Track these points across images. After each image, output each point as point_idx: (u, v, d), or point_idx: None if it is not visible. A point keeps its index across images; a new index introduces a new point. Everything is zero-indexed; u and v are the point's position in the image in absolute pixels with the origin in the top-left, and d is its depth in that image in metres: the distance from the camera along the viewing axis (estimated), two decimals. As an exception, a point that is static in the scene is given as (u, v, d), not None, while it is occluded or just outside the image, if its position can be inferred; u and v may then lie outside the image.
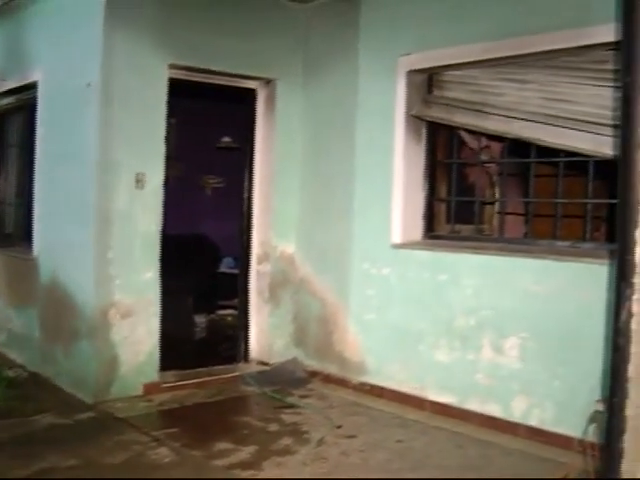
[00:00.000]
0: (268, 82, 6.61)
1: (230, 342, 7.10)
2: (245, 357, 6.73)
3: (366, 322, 6.08)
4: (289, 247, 6.71)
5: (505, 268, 5.17)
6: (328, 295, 6.40)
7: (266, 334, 6.67)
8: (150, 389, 5.77)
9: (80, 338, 5.73)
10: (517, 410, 5.03)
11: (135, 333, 5.74)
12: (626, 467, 2.41)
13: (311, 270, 6.58)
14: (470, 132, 5.78)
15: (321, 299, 6.47)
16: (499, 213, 6.00)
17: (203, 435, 4.92)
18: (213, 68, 6.13)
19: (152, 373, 5.84)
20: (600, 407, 4.03)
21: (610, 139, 4.58)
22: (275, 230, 6.64)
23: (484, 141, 5.86)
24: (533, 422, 4.93)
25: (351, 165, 6.19)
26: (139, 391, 5.73)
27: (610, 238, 5.24)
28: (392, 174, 5.87)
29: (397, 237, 5.89)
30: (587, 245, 4.98)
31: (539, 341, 4.93)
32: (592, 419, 4.23)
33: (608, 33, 4.38)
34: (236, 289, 6.94)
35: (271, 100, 6.63)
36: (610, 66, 4.64)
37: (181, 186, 8.60)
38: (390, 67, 5.88)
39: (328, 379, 6.32)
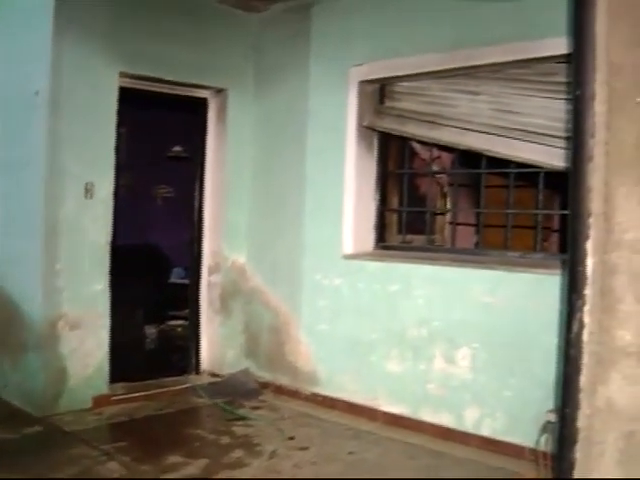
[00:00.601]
0: (219, 91, 6.57)
1: (181, 353, 7.01)
2: (196, 368, 6.65)
3: (318, 333, 6.06)
4: (240, 257, 6.67)
5: (456, 279, 5.20)
6: (280, 306, 6.37)
7: (217, 345, 6.61)
8: (99, 402, 5.67)
9: (28, 350, 5.60)
10: (469, 420, 5.05)
11: (84, 345, 5.63)
12: (578, 477, 2.42)
13: (262, 281, 6.54)
14: (422, 143, 5.82)
15: (273, 310, 6.43)
16: (450, 223, 6.05)
17: (153, 449, 4.84)
18: (164, 77, 6.07)
19: (101, 386, 5.74)
20: (552, 418, 4.07)
21: (560, 151, 4.65)
22: (226, 240, 6.59)
23: (435, 152, 5.90)
24: (485, 432, 4.96)
25: (302, 175, 6.18)
26: (88, 404, 5.61)
27: (562, 248, 5.31)
28: (343, 184, 5.87)
29: (348, 248, 5.88)
30: (538, 256, 5.04)
31: (490, 351, 4.96)
32: (544, 429, 4.26)
33: (557, 46, 4.44)
34: (187, 300, 6.87)
35: (222, 110, 6.59)
36: (559, 78, 4.70)
37: (131, 196, 8.49)
38: (342, 77, 5.89)
39: (280, 390, 6.28)
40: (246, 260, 6.68)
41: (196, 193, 6.69)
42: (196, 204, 6.68)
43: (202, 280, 6.71)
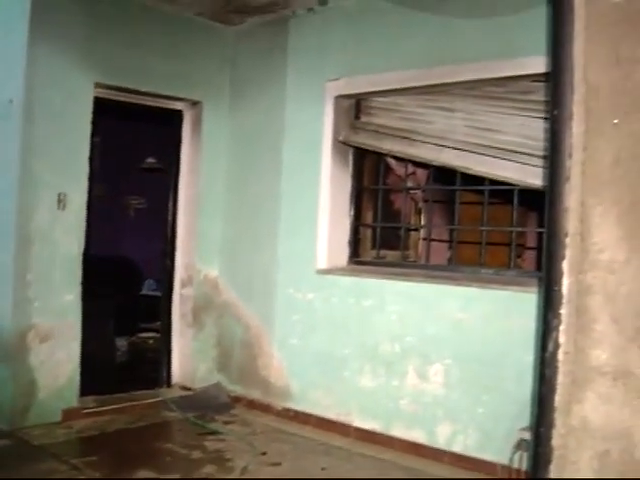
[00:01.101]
0: (194, 104, 6.55)
1: (152, 366, 6.94)
2: (167, 382, 6.60)
3: (291, 347, 6.04)
4: (213, 271, 6.63)
5: (430, 295, 5.21)
6: (252, 319, 6.34)
7: (189, 358, 6.56)
8: (69, 415, 5.59)
9: (-5, 362, 5.52)
10: (441, 436, 5.05)
11: (54, 357, 5.55)
12: (554, 477, 2.42)
13: (235, 294, 6.51)
14: (397, 158, 5.83)
15: (245, 323, 6.40)
16: (424, 239, 6.06)
17: (124, 463, 4.78)
18: (140, 88, 6.05)
19: (72, 398, 5.66)
20: (526, 436, 4.08)
21: (535, 169, 4.68)
22: (199, 253, 6.55)
23: (410, 168, 5.92)
24: (457, 448, 4.96)
25: (277, 190, 6.17)
26: (58, 417, 5.53)
27: (538, 266, 5.33)
28: (318, 199, 5.87)
29: (322, 262, 5.88)
30: (511, 273, 5.07)
31: (463, 368, 4.97)
32: (518, 447, 4.27)
33: (534, 65, 4.48)
34: (159, 312, 6.82)
35: (197, 122, 6.57)
36: (536, 97, 4.75)
37: (104, 206, 8.43)
38: (318, 92, 5.90)
39: (252, 405, 6.24)
40: (219, 273, 6.65)
41: (170, 205, 6.65)
42: (169, 216, 6.64)
43: (174, 293, 6.66)
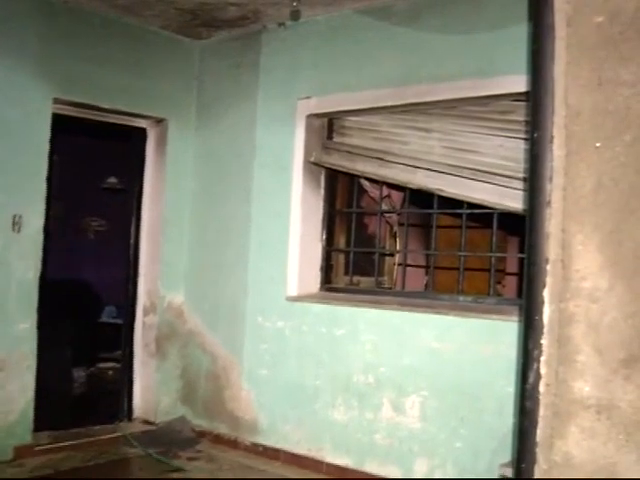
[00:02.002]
0: (159, 122, 6.55)
1: (112, 399, 6.87)
2: (128, 415, 6.53)
3: (259, 378, 6.01)
4: (178, 297, 6.61)
5: (405, 323, 5.22)
6: (219, 349, 6.31)
7: (152, 390, 6.50)
8: (22, 452, 5.51)
9: (-57, 396, 5.44)
10: (418, 472, 5.04)
11: (6, 389, 5.48)
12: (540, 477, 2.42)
13: (201, 322, 6.48)
14: (371, 180, 5.86)
15: (211, 353, 6.37)
16: (400, 265, 6.08)
17: (80, 504, 4.73)
18: (101, 104, 6.04)
19: (24, 434, 5.58)
20: (507, 472, 4.07)
21: (515, 191, 4.73)
22: (163, 279, 6.52)
23: (385, 190, 5.95)
24: (434, 485, 4.96)
25: (246, 213, 6.17)
26: (9, 455, 5.45)
27: (519, 293, 5.37)
28: (289, 223, 5.87)
29: (293, 289, 5.87)
30: (491, 300, 5.10)
31: (440, 400, 4.98)
32: (497, 483, 4.27)
33: (513, 83, 4.55)
34: (119, 341, 6.78)
35: (162, 141, 6.56)
36: (515, 117, 4.81)
37: (62, 229, 8.38)
38: (289, 111, 5.93)
39: (218, 439, 6.19)
40: (184, 300, 6.62)
41: (132, 228, 6.62)
42: (131, 239, 6.62)
43: (136, 320, 6.62)
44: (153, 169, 6.62)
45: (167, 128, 6.54)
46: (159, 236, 6.54)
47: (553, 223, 2.41)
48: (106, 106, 6.09)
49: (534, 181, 2.54)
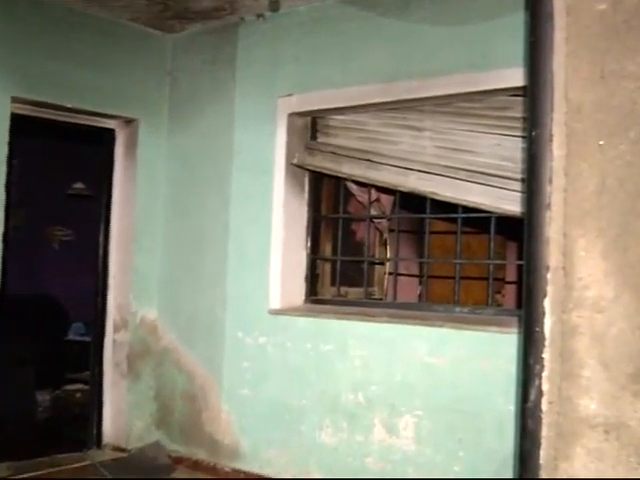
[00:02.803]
0: (129, 122, 6.53)
1: (79, 424, 6.84)
2: (97, 442, 6.50)
3: (241, 398, 5.99)
4: (151, 312, 6.58)
5: (398, 337, 5.22)
6: (197, 368, 6.29)
7: (123, 414, 6.47)
8: (-20, 485, 5.49)
9: None
10: (412, 499, 5.05)
11: (-36, 416, 5.47)
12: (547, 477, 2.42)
13: (177, 339, 6.46)
14: (358, 184, 5.86)
15: (188, 373, 6.34)
16: (391, 274, 6.08)
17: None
18: (65, 104, 6.01)
19: (-17, 465, 5.56)
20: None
21: (514, 194, 4.74)
22: (135, 293, 6.50)
23: (374, 194, 5.95)
24: (430, 512, 4.95)
25: (224, 220, 6.16)
26: (-35, 488, 5.44)
27: (519, 303, 5.38)
28: (270, 230, 5.86)
29: (275, 302, 5.86)
30: (490, 311, 5.10)
31: (436, 420, 4.98)
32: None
33: (511, 77, 4.56)
34: (87, 360, 6.75)
35: (132, 143, 6.55)
36: (513, 113, 4.82)
37: (24, 238, 8.34)
38: (269, 109, 5.92)
39: (196, 466, 6.17)
40: (158, 315, 6.60)
41: (100, 237, 6.59)
42: (100, 250, 6.59)
43: (106, 338, 6.58)
44: (123, 173, 6.59)
45: (137, 129, 6.52)
46: (130, 246, 6.51)
47: (553, 227, 2.42)
48: (70, 105, 6.06)
49: (533, 183, 2.54)
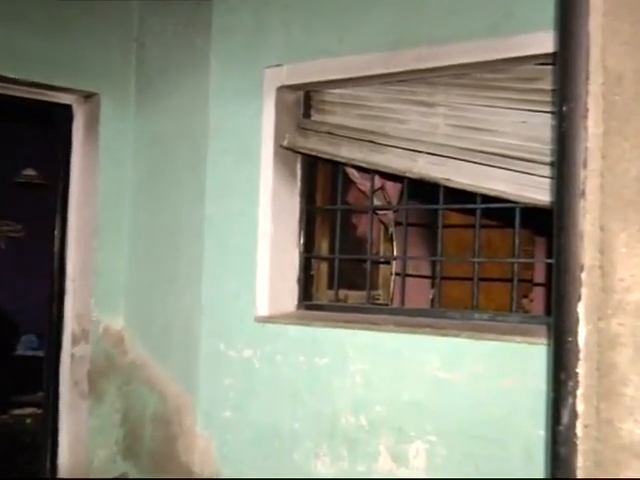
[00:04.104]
0: (88, 97, 6.51)
1: (31, 454, 6.85)
2: (52, 475, 6.49)
3: (222, 422, 5.99)
4: (117, 321, 6.58)
5: (406, 349, 5.21)
6: (170, 386, 6.29)
7: (83, 442, 6.47)
8: None
9: None
10: (424, 539, 5.05)
11: None
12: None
13: (147, 352, 6.46)
14: (360, 169, 5.86)
15: (161, 392, 6.34)
16: (397, 275, 6.08)
17: None
18: (9, 74, 5.99)
19: None
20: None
21: (541, 180, 4.73)
22: (97, 298, 6.50)
23: (378, 181, 5.94)
24: None
25: (201, 214, 6.14)
26: None
27: (548, 308, 5.38)
28: (256, 224, 5.85)
29: (263, 308, 5.85)
30: (514, 318, 5.10)
31: (452, 446, 4.97)
32: None
33: (540, 42, 4.53)
34: (41, 379, 6.72)
35: (93, 122, 6.53)
36: (542, 85, 4.80)
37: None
38: (254, 82, 5.91)
39: (170, 502, 6.19)
40: (124, 325, 6.60)
41: (56, 232, 6.58)
42: (55, 247, 6.57)
43: (63, 352, 6.57)
44: (82, 158, 6.58)
45: (99, 105, 6.50)
46: (91, 243, 6.51)
47: (589, 219, 2.41)
48: (16, 76, 6.02)
49: (563, 167, 2.53)
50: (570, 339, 2.46)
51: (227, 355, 5.99)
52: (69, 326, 6.57)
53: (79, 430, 6.49)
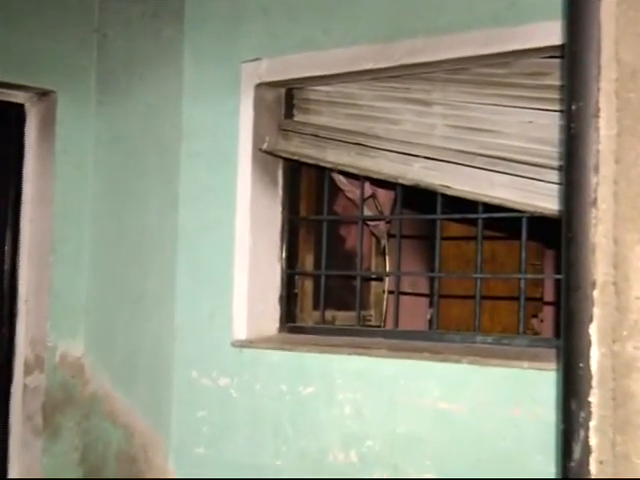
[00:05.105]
0: (44, 95, 6.52)
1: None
2: (2, 523, 6.50)
3: (195, 460, 5.98)
4: (75, 347, 6.57)
5: (401, 376, 5.22)
6: (137, 420, 6.28)
7: (38, 483, 6.47)
8: None
9: None
10: None
11: None
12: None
13: (110, 382, 6.45)
14: (348, 175, 5.87)
15: (126, 427, 6.33)
16: (391, 293, 6.09)
17: None
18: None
19: None
20: None
21: (549, 186, 4.75)
22: (54, 321, 6.49)
23: (368, 188, 5.96)
24: None
25: (172, 225, 6.14)
26: None
27: (558, 330, 5.40)
28: (233, 238, 5.86)
29: (241, 331, 5.85)
30: (521, 341, 5.11)
31: (453, 485, 4.99)
32: None
33: (547, 34, 4.55)
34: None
35: (49, 122, 6.53)
36: (550, 81, 4.83)
37: None
38: (230, 78, 5.92)
39: None
40: (84, 351, 6.59)
41: (6, 246, 6.58)
42: (5, 264, 6.57)
43: (14, 383, 6.55)
44: (36, 162, 6.58)
45: (56, 104, 6.51)
46: (47, 258, 6.50)
47: (601, 230, 2.43)
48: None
49: (573, 172, 2.55)
50: (581, 364, 2.46)
51: (200, 384, 5.99)
52: (21, 353, 6.56)
53: (32, 470, 6.46)
